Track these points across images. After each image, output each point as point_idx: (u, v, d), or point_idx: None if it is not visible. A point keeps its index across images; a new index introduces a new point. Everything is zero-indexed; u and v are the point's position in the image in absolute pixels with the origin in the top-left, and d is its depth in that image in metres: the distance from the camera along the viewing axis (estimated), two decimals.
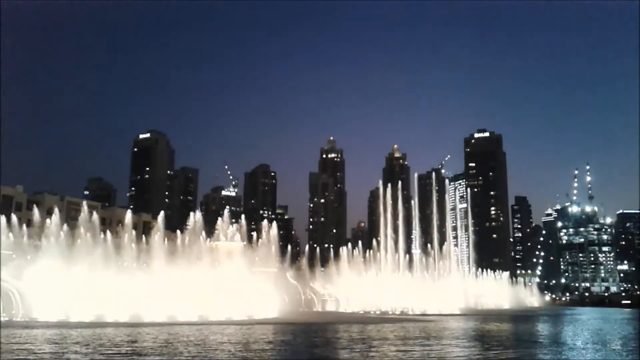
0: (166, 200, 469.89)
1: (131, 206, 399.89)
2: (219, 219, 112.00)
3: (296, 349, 39.87)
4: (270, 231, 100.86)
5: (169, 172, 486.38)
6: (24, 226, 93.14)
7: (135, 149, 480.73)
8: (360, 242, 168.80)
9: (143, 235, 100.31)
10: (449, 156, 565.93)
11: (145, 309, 65.02)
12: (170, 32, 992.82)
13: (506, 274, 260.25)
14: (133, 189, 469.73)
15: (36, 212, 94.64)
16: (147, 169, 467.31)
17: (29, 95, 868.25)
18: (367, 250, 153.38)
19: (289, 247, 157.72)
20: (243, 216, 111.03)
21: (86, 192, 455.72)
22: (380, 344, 42.26)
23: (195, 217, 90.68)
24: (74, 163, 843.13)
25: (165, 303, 66.96)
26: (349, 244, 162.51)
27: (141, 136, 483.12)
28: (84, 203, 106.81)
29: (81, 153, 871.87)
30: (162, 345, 37.96)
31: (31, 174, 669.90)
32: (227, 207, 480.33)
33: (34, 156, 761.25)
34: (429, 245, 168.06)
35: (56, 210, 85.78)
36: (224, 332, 50.18)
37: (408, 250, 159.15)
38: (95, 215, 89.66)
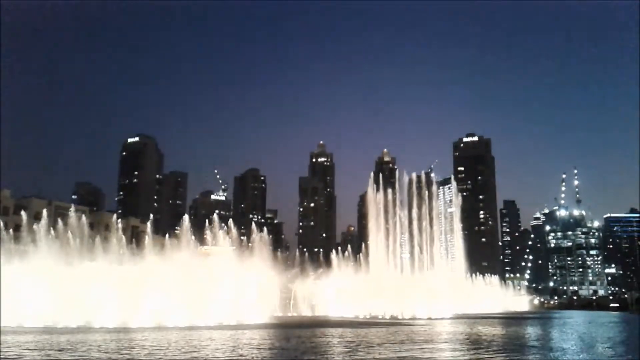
0: (155, 204, 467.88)
1: (120, 210, 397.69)
2: (207, 229, 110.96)
3: (288, 354, 39.67)
4: (261, 236, 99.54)
5: (158, 176, 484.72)
6: (11, 231, 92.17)
7: (124, 153, 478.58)
8: (349, 246, 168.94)
9: (132, 240, 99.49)
10: (437, 160, 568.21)
11: (133, 315, 64.48)
12: (160, 36, 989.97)
13: (495, 277, 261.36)
14: (122, 193, 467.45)
15: (23, 217, 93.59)
16: (136, 173, 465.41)
17: (15, 98, 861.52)
18: (357, 255, 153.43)
19: (279, 251, 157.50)
20: (231, 220, 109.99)
21: (74, 197, 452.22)
22: (371, 348, 42.16)
23: (185, 224, 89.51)
24: (62, 167, 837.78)
25: (155, 308, 66.44)
26: (339, 248, 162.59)
27: (130, 140, 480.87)
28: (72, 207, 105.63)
29: (69, 157, 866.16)
30: (151, 353, 37.59)
31: (18, 178, 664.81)
32: (217, 211, 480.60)
33: (21, 160, 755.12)
34: (418, 249, 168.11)
35: (44, 214, 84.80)
36: (215, 338, 49.83)
37: (397, 255, 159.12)
38: (83, 220, 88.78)
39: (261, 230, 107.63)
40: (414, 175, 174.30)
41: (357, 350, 40.30)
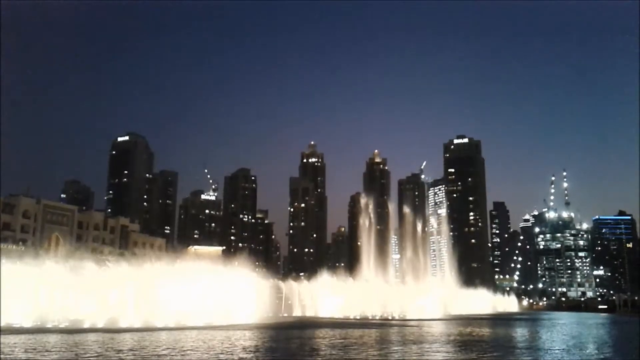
0: (145, 203, 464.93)
1: (109, 210, 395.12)
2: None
3: (276, 355, 39.57)
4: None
5: (147, 175, 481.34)
6: None
7: (114, 152, 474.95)
8: (340, 247, 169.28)
9: (121, 239, 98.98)
10: (425, 162, 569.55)
11: (122, 315, 64.05)
12: (151, 35, 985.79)
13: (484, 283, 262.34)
14: (111, 192, 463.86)
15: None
16: (126, 171, 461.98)
17: (3, 96, 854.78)
18: (348, 255, 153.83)
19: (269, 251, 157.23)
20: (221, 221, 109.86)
21: (63, 195, 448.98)
22: (359, 348, 42.13)
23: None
24: (51, 165, 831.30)
25: (143, 308, 66.04)
26: (329, 249, 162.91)
27: (120, 139, 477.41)
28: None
29: (58, 155, 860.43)
30: (142, 357, 37.33)
31: (6, 176, 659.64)
32: (207, 211, 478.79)
33: (9, 158, 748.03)
34: (408, 250, 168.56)
35: (33, 213, 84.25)
36: (204, 339, 49.57)
37: (388, 255, 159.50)
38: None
39: (251, 230, 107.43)
40: (404, 176, 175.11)
41: (340, 350, 40.26)
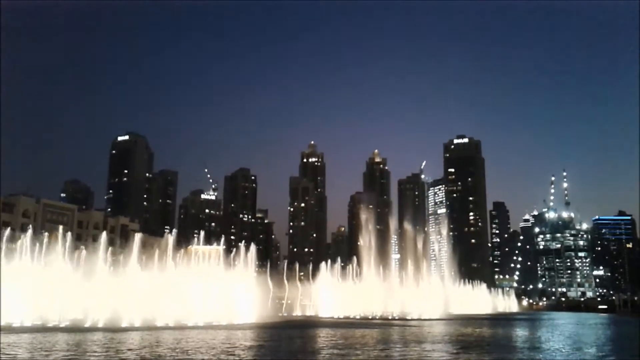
0: (145, 203, 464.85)
1: (109, 209, 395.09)
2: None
3: (277, 355, 39.46)
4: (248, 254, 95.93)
5: (147, 174, 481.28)
6: None
7: (114, 151, 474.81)
8: (340, 247, 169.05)
9: (120, 238, 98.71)
10: (425, 162, 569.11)
11: (122, 314, 63.94)
12: (151, 36, 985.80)
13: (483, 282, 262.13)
14: (111, 191, 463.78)
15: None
16: (126, 171, 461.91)
17: (3, 96, 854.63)
18: (348, 255, 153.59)
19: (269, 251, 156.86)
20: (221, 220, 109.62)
21: (63, 195, 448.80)
22: (359, 349, 42.03)
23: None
24: (51, 164, 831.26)
25: (143, 308, 65.92)
26: (329, 249, 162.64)
27: (120, 138, 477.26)
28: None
29: (58, 154, 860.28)
30: (142, 357, 37.24)
31: (6, 176, 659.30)
32: (207, 210, 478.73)
33: (9, 157, 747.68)
34: (408, 250, 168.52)
35: (32, 213, 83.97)
36: (204, 338, 49.48)
37: (388, 255, 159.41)
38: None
39: (251, 230, 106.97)
40: (404, 176, 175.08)
41: (340, 350, 40.15)
